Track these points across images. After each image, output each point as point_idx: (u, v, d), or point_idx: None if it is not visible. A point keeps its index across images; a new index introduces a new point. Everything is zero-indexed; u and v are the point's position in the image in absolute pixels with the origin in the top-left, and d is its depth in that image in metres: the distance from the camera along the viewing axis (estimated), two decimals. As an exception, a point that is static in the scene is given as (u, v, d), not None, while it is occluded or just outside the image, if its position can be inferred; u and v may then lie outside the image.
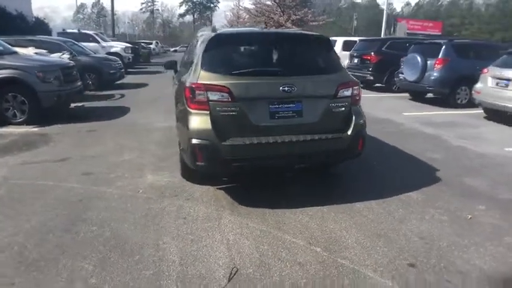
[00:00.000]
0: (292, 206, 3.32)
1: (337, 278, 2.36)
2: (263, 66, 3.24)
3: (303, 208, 3.29)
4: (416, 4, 78.09)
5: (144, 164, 4.45)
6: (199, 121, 3.02)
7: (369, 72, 11.23)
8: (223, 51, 3.25)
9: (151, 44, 30.49)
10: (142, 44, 25.49)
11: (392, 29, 37.57)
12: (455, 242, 2.84)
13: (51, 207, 3.22)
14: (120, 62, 11.83)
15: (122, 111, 7.74)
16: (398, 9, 78.95)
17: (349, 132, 3.32)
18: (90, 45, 13.37)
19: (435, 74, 8.55)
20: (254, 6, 30.00)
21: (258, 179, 3.92)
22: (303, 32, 3.78)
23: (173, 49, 55.08)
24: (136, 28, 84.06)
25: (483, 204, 3.51)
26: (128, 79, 12.96)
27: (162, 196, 3.50)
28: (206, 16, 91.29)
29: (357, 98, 3.42)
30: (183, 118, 3.24)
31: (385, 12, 19.08)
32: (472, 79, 8.32)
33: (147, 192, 3.58)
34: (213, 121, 2.99)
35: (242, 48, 3.29)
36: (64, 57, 8.73)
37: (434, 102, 9.28)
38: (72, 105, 7.89)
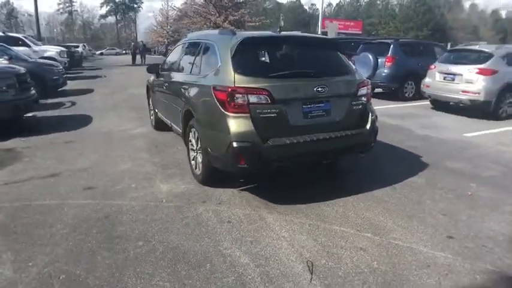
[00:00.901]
0: (320, 200, 3.48)
1: (401, 256, 2.57)
2: (295, 68, 3.34)
3: (331, 201, 3.47)
4: (337, 4, 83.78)
5: (146, 173, 4.23)
6: (240, 124, 3.02)
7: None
8: (254, 54, 3.28)
9: (77, 47, 28.12)
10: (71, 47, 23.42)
11: (317, 29, 39.80)
12: (471, 214, 3.26)
13: (75, 228, 2.94)
14: (61, 67, 10.82)
15: (84, 120, 7.13)
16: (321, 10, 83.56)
17: (367, 127, 3.58)
18: (19, 49, 11.95)
19: (386, 70, 9.39)
20: (185, 6, 29.47)
21: (274, 179, 3.98)
22: (320, 36, 3.95)
23: (99, 52, 51.41)
24: (55, 30, 76.56)
25: (472, 182, 4.04)
26: (68, 85, 11.89)
27: (191, 203, 3.39)
28: (129, 17, 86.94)
29: (370, 96, 3.70)
30: (216, 123, 3.20)
31: (320, 13, 20.20)
32: (416, 74, 9.32)
33: (172, 201, 3.44)
34: (254, 123, 3.02)
35: (270, 51, 3.34)
36: (4, 63, 7.74)
37: (383, 97, 10.18)
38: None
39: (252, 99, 3.02)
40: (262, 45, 3.42)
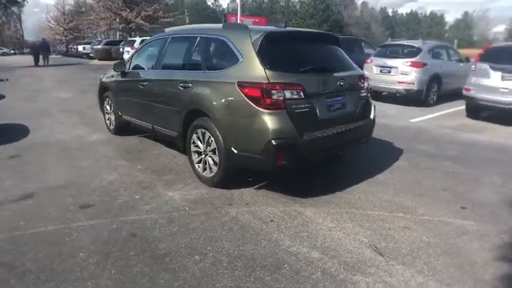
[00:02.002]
0: (337, 189, 3.64)
1: (438, 228, 2.90)
2: (317, 63, 3.40)
3: (347, 189, 3.67)
4: (241, 0, 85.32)
5: (141, 182, 3.83)
6: (278, 120, 2.97)
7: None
8: (279, 49, 3.25)
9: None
10: None
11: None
12: (464, 188, 3.81)
13: (105, 253, 2.53)
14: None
15: (19, 129, 6.00)
16: (225, 6, 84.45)
17: (371, 117, 3.83)
18: None
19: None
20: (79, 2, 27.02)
21: (279, 175, 3.95)
22: (327, 32, 4.05)
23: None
24: None
25: (445, 161, 4.64)
26: (-34, 91, 9.93)
27: (218, 208, 3.22)
28: (12, 13, 75.33)
29: (368, 87, 3.96)
30: (246, 121, 3.09)
31: (239, 7, 20.39)
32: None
33: (195, 208, 3.20)
34: (291, 119, 2.98)
35: (292, 46, 3.32)
36: None
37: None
38: None
39: (288, 94, 3.00)
40: (285, 40, 3.40)
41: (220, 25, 3.74)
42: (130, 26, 25.06)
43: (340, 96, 3.46)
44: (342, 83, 3.39)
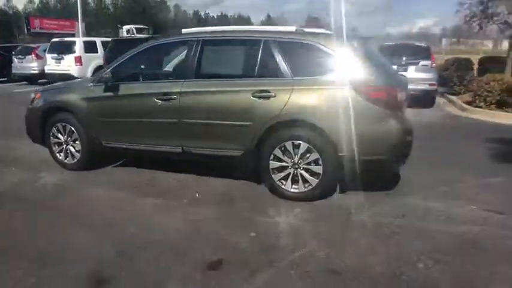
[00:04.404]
0: (395, 175, 3.98)
1: (496, 186, 3.79)
2: None
3: (401, 172, 4.04)
4: (42, 2, 71.86)
5: (227, 218, 3.17)
6: (403, 120, 3.26)
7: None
8: (369, 54, 3.43)
9: None
10: None
11: (26, 30, 33.47)
12: (461, 157, 4.86)
13: None
14: None
15: None
16: (21, 7, 69.18)
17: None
18: None
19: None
20: None
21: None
22: None
23: None
24: None
25: (418, 139, 5.55)
26: None
27: (348, 219, 3.17)
28: None
29: None
30: (374, 124, 3.15)
31: (79, 9, 17.29)
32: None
33: (331, 226, 3.02)
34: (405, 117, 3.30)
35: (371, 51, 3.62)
36: None
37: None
38: None
39: (400, 96, 3.26)
40: (366, 45, 3.62)
41: (290, 28, 3.47)
42: None
43: None
44: None
